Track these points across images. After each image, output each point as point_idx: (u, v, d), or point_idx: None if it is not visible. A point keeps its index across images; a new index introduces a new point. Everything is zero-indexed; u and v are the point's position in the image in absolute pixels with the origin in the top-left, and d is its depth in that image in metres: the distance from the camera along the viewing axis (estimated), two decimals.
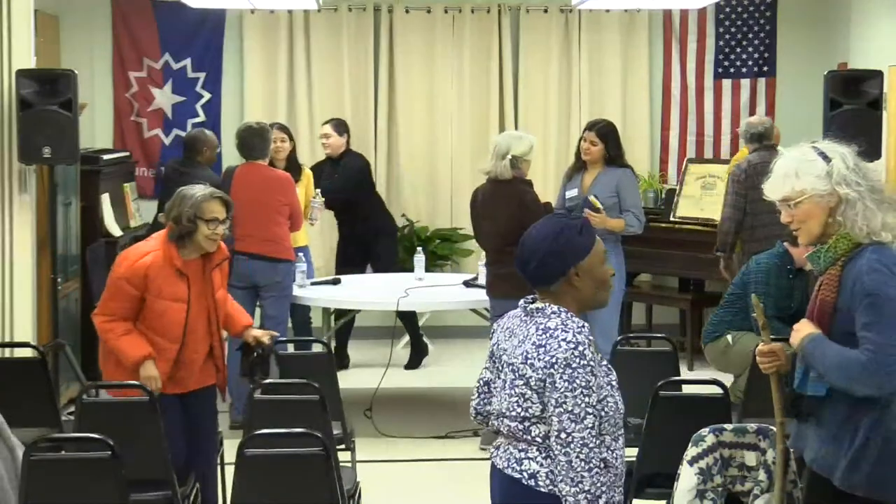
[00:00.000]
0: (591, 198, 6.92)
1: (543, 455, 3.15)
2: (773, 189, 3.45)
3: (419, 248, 8.20)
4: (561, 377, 3.08)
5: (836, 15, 9.63)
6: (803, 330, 3.42)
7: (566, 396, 3.07)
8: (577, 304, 3.21)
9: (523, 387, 3.14)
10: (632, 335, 6.57)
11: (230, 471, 4.47)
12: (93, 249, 7.96)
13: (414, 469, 6.57)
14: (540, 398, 3.12)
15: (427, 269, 8.11)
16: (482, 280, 7.17)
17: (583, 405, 3.06)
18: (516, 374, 3.17)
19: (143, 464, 4.56)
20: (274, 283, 7.29)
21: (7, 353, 6.29)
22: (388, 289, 7.56)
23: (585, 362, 3.08)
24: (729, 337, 6.85)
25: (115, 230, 8.09)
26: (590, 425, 3.06)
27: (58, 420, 5.43)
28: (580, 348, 3.09)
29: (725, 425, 4.20)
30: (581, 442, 3.05)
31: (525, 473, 3.16)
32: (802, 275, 6.57)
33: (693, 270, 8.98)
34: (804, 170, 3.37)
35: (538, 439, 3.15)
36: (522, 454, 3.18)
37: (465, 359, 8.64)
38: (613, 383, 3.18)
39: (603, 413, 3.11)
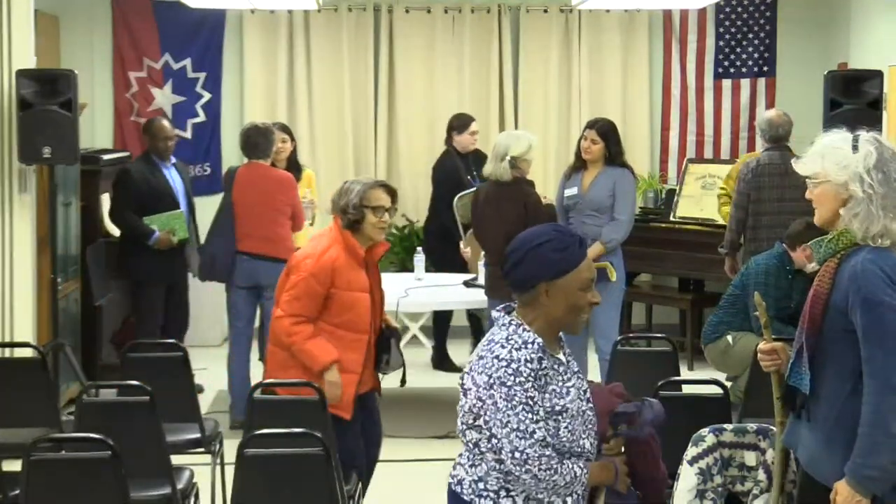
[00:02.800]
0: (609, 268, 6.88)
1: (470, 463, 3.10)
2: (802, 164, 3.42)
3: (419, 248, 8.20)
4: (500, 396, 2.99)
5: (836, 15, 9.63)
6: (840, 492, 3.28)
7: (509, 416, 2.99)
8: (545, 321, 3.10)
9: (461, 388, 3.12)
10: (632, 335, 6.56)
11: (230, 471, 4.47)
12: (93, 249, 7.96)
13: (414, 469, 6.56)
14: (471, 408, 3.07)
15: (427, 269, 8.11)
16: (482, 280, 7.16)
17: (527, 420, 2.98)
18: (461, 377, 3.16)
19: (143, 463, 4.56)
20: (276, 284, 7.28)
21: (7, 353, 6.29)
22: (388, 289, 7.53)
23: (522, 379, 2.99)
24: (729, 337, 6.85)
25: (115, 230, 8.09)
26: (540, 438, 2.99)
27: (58, 420, 5.43)
28: (513, 366, 3.00)
29: (725, 425, 4.20)
30: (537, 455, 2.99)
31: (455, 479, 3.14)
32: (801, 275, 6.57)
33: (693, 270, 8.98)
34: (829, 155, 3.33)
35: (470, 444, 3.10)
36: (458, 458, 3.15)
37: (464, 359, 8.63)
38: (568, 407, 3.05)
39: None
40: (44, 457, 4.22)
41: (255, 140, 7.30)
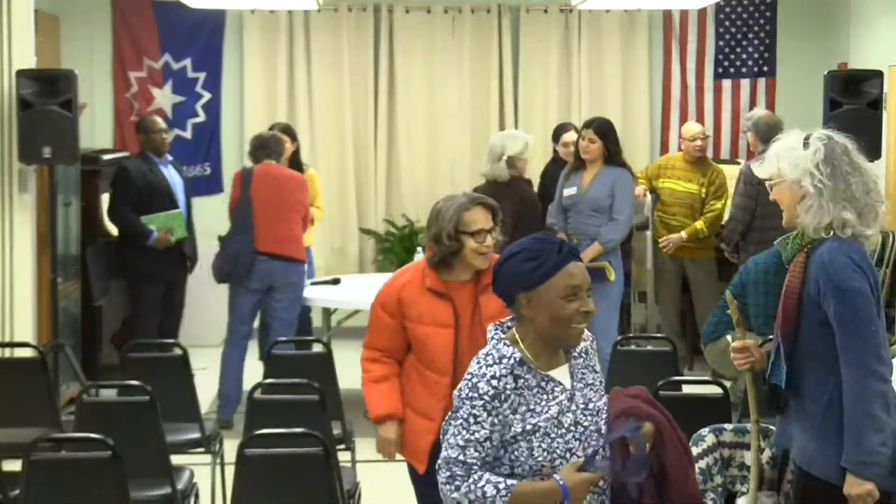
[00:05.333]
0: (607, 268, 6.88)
1: None
2: (760, 168, 3.54)
3: (419, 248, 8.20)
4: (454, 407, 2.98)
5: (836, 15, 9.63)
6: (847, 484, 3.33)
7: (449, 424, 2.98)
8: (535, 334, 3.01)
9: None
10: (632, 335, 6.55)
11: (230, 471, 4.47)
12: (93, 249, 7.96)
13: None
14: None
15: None
16: None
17: (458, 436, 2.93)
18: None
19: (143, 463, 4.56)
20: (289, 284, 7.29)
21: (7, 353, 6.29)
22: None
23: (475, 395, 2.92)
24: (729, 337, 6.83)
25: (115, 230, 8.09)
26: (453, 456, 2.93)
27: (58, 420, 5.44)
28: (473, 380, 2.94)
29: (725, 425, 4.20)
30: (445, 468, 2.94)
31: None
32: None
33: None
34: (784, 155, 3.44)
35: None
36: None
37: None
38: (540, 426, 2.94)
39: (513, 457, 2.95)
40: (44, 457, 4.21)
41: (268, 141, 7.33)
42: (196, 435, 5.44)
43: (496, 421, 2.93)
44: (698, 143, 8.39)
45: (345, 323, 7.97)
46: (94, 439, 4.12)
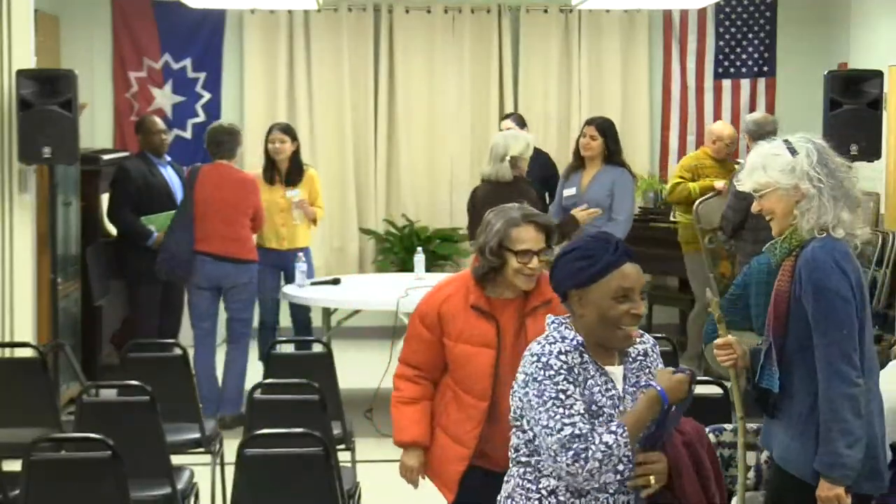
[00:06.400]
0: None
1: (507, 476, 3.10)
2: (743, 181, 3.53)
3: (419, 248, 8.20)
4: (533, 393, 2.96)
5: (836, 15, 9.63)
6: (819, 487, 3.34)
7: (540, 413, 2.94)
8: (585, 331, 3.03)
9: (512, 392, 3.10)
10: None
11: (230, 471, 4.47)
12: (93, 249, 7.95)
13: None
14: (514, 410, 3.06)
15: (427, 269, 8.11)
16: None
17: (557, 416, 2.92)
18: None
19: (143, 463, 4.56)
20: (241, 285, 7.29)
21: (7, 353, 6.29)
22: (388, 289, 7.56)
23: (553, 372, 2.93)
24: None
25: (115, 230, 8.08)
26: (566, 434, 2.89)
27: (58, 420, 5.44)
28: (543, 359, 2.95)
29: (725, 425, 4.21)
30: (564, 450, 2.90)
31: (505, 492, 3.12)
32: None
33: None
34: (770, 164, 3.44)
35: (511, 450, 3.09)
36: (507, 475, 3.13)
37: None
38: (604, 411, 2.97)
39: None
40: (44, 457, 4.21)
41: (220, 138, 7.31)
42: (196, 435, 5.44)
43: (581, 391, 2.96)
44: (732, 146, 8.59)
45: (345, 323, 7.98)
46: (94, 439, 4.11)
